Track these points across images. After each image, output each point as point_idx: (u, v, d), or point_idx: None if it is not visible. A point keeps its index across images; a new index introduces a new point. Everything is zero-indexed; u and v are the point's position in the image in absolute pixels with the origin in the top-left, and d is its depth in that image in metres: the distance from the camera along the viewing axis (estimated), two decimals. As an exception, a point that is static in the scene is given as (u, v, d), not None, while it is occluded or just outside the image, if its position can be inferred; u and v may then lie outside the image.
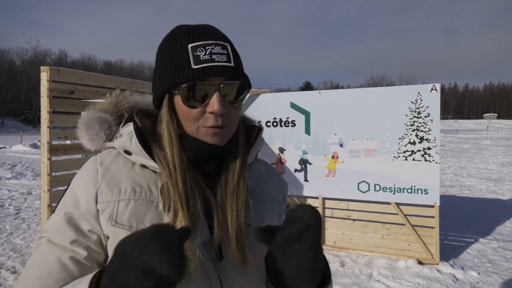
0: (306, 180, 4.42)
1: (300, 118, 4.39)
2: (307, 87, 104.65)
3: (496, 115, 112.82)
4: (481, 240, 4.69)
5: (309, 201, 4.53)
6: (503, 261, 4.02)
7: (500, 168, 11.37)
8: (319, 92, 4.39)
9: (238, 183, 0.72)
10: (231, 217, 0.70)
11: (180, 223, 0.64)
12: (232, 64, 0.66)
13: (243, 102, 0.72)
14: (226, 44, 0.68)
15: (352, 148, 4.16)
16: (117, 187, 0.68)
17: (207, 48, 0.65)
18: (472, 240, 4.69)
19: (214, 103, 0.64)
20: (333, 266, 3.91)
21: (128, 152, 0.70)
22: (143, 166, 0.70)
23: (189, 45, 0.66)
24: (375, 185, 4.05)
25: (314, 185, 4.37)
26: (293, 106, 4.42)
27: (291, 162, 4.48)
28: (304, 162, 4.42)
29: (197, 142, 0.69)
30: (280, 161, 4.55)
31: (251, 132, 0.79)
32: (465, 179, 9.41)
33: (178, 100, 0.67)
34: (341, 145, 4.21)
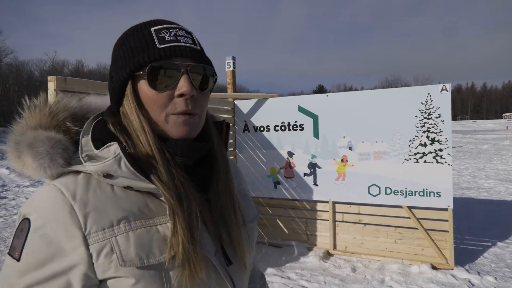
0: (315, 184, 4.37)
1: (308, 122, 4.36)
2: (320, 90, 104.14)
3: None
4: (499, 244, 4.53)
5: (319, 205, 4.48)
6: (522, 265, 3.88)
7: (520, 169, 11.01)
8: (327, 95, 4.35)
9: (228, 184, 0.71)
10: (230, 220, 0.69)
11: (187, 237, 0.59)
12: (198, 47, 0.65)
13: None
14: (190, 31, 0.67)
15: (361, 151, 4.10)
16: (108, 222, 0.57)
17: (171, 30, 0.63)
18: (490, 244, 4.54)
19: (183, 84, 0.61)
20: (345, 271, 3.85)
21: (108, 176, 0.60)
22: (126, 187, 0.62)
23: (152, 28, 0.63)
24: (386, 188, 3.97)
25: (324, 189, 4.32)
26: (301, 109, 4.39)
27: (300, 166, 4.44)
28: (313, 166, 4.38)
29: (179, 142, 0.63)
30: (289, 165, 4.52)
31: (220, 128, 0.76)
32: (483, 181, 9.14)
33: (142, 86, 0.62)
34: (350, 148, 4.15)
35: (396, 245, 4.05)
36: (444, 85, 3.71)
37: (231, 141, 4.70)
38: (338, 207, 4.35)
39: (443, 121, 3.70)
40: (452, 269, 3.72)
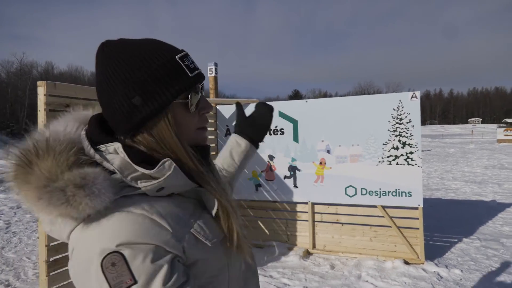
0: (295, 186, 4.55)
1: (288, 126, 4.55)
2: (296, 95, 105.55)
3: (481, 119, 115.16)
4: (464, 240, 4.87)
5: (299, 207, 4.67)
6: (485, 259, 4.20)
7: (484, 171, 11.69)
8: (306, 101, 4.56)
9: (218, 174, 0.87)
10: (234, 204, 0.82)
11: (236, 224, 0.75)
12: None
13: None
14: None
15: (338, 154, 4.33)
16: (182, 221, 0.68)
17: (188, 57, 0.73)
18: (456, 240, 4.88)
19: (206, 104, 0.76)
20: (324, 268, 4.04)
21: (160, 189, 0.67)
22: (169, 195, 0.70)
23: (177, 56, 0.71)
24: (361, 189, 4.21)
25: (303, 191, 4.51)
26: (281, 114, 4.58)
27: (281, 169, 4.62)
28: (293, 169, 4.57)
29: (200, 148, 0.77)
30: (270, 168, 4.68)
31: None
32: (451, 182, 9.67)
33: (179, 109, 0.71)
34: (328, 152, 4.37)
35: (372, 243, 4.29)
36: (414, 93, 4.00)
37: (213, 145, 4.82)
38: (317, 208, 4.55)
39: (413, 126, 3.99)
40: (423, 263, 4.00)
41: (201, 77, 0.74)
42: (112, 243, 0.60)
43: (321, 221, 4.55)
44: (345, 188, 4.28)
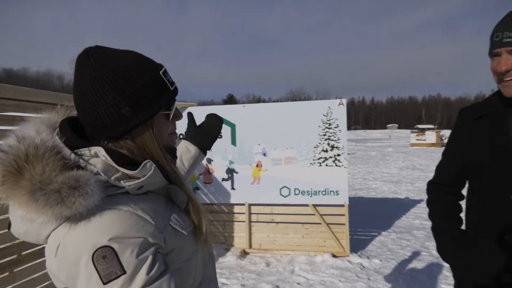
0: (233, 188, 4.69)
1: (226, 130, 4.67)
2: (230, 99, 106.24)
3: (397, 125, 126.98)
4: (383, 233, 5.44)
5: (236, 208, 4.81)
6: (400, 249, 4.76)
7: (399, 172, 13.03)
8: (244, 106, 4.74)
9: (181, 173, 0.98)
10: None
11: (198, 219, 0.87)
12: None
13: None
14: None
15: (274, 156, 4.57)
16: (161, 214, 0.77)
17: (167, 72, 0.83)
18: (376, 233, 5.43)
19: (179, 113, 0.88)
20: (260, 266, 4.23)
21: (140, 187, 0.75)
22: (145, 192, 0.78)
23: (160, 72, 0.80)
24: (295, 189, 4.49)
25: (241, 193, 4.67)
26: (224, 121, 4.68)
27: (219, 171, 4.72)
28: (230, 171, 4.70)
29: (170, 149, 0.89)
30: (208, 171, 4.76)
31: None
32: (372, 182, 10.62)
33: (161, 119, 0.82)
34: (264, 154, 4.59)
35: (304, 239, 4.60)
36: (341, 100, 4.40)
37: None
38: (254, 209, 4.74)
39: (340, 130, 4.38)
40: (348, 256, 4.39)
41: (177, 90, 0.84)
42: (104, 238, 0.66)
43: (257, 221, 4.75)
44: (280, 189, 4.53)
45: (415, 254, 4.54)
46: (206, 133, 1.27)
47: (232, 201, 4.72)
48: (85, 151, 0.73)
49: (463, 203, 1.46)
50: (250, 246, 4.74)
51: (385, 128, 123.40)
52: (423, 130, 37.56)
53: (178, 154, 1.21)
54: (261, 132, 4.59)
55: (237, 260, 4.41)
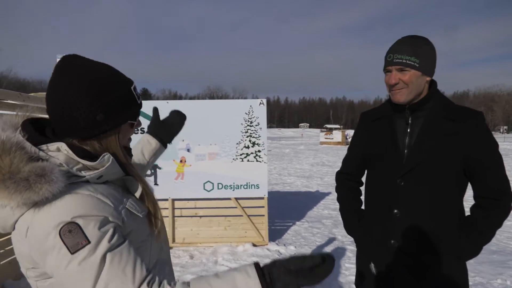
0: (156, 184, 4.69)
1: (149, 126, 4.64)
2: (145, 94, 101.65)
3: (308, 124, 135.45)
4: (297, 223, 5.96)
5: (160, 204, 4.78)
6: (311, 236, 5.29)
7: (310, 168, 14.12)
8: (167, 102, 4.76)
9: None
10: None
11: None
12: None
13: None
14: None
15: (198, 152, 4.70)
16: (119, 199, 0.88)
17: (136, 87, 1.00)
18: (291, 223, 5.92)
19: (140, 122, 1.02)
20: (184, 259, 4.33)
21: (100, 177, 0.86)
22: (104, 182, 0.89)
23: (131, 87, 0.96)
24: (218, 184, 4.68)
25: (164, 188, 4.69)
26: (142, 114, 4.64)
27: (141, 167, 4.66)
28: (154, 167, 4.69)
29: (126, 149, 1.02)
30: (129, 167, 4.67)
31: None
32: (287, 178, 11.36)
33: (126, 126, 0.96)
34: (188, 150, 4.69)
35: (226, 231, 4.82)
36: (261, 100, 4.72)
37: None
38: (177, 204, 4.80)
39: (261, 128, 4.70)
40: (267, 244, 4.75)
41: (142, 103, 1.01)
42: (68, 216, 0.77)
43: (181, 216, 4.82)
44: (204, 184, 4.68)
45: (324, 240, 5.10)
46: (168, 128, 1.42)
47: (156, 196, 4.70)
48: (45, 146, 0.84)
49: (363, 189, 1.83)
50: (174, 241, 4.79)
51: (297, 127, 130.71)
52: (331, 129, 40.86)
53: (139, 146, 1.36)
54: (185, 129, 4.61)
55: (160, 255, 4.43)
